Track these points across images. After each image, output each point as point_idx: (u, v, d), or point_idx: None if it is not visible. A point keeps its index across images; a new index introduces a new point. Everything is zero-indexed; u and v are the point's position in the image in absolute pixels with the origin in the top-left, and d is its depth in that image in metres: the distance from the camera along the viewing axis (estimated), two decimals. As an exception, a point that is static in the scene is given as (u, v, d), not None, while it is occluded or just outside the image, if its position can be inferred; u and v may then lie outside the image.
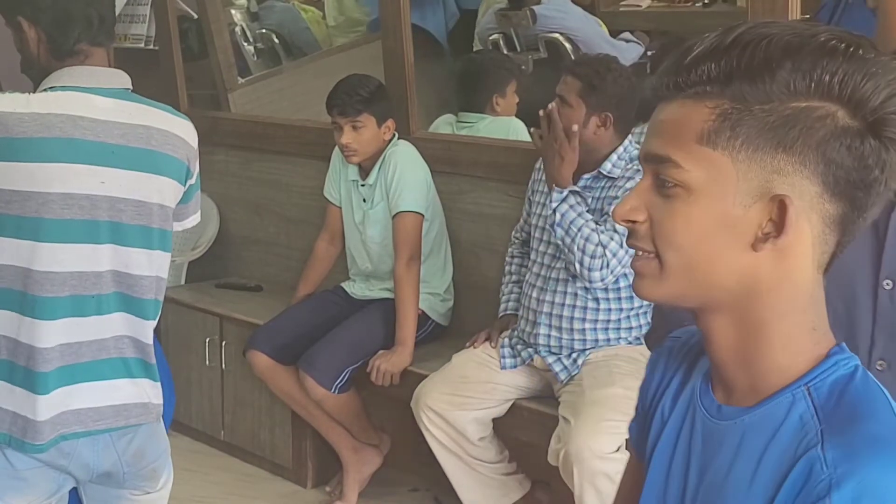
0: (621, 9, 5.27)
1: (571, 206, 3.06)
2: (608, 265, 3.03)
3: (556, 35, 4.71)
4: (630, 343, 3.20)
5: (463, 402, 3.27)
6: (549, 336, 3.23)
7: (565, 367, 3.20)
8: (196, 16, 5.00)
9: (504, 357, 3.33)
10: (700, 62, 0.97)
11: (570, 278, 3.17)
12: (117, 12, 2.46)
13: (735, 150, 0.96)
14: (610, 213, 2.99)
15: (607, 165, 3.15)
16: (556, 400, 3.19)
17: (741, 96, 0.96)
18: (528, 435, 3.28)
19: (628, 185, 3.08)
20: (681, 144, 0.98)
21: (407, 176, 3.70)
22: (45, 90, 2.10)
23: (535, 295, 3.25)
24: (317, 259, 4.02)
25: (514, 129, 4.21)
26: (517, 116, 4.29)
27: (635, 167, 3.09)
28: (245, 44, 5.65)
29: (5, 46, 2.31)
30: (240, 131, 4.75)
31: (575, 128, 3.07)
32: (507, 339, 3.36)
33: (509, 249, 3.56)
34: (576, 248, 3.04)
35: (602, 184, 3.17)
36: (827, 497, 0.89)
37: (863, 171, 0.96)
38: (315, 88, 4.15)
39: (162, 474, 2.26)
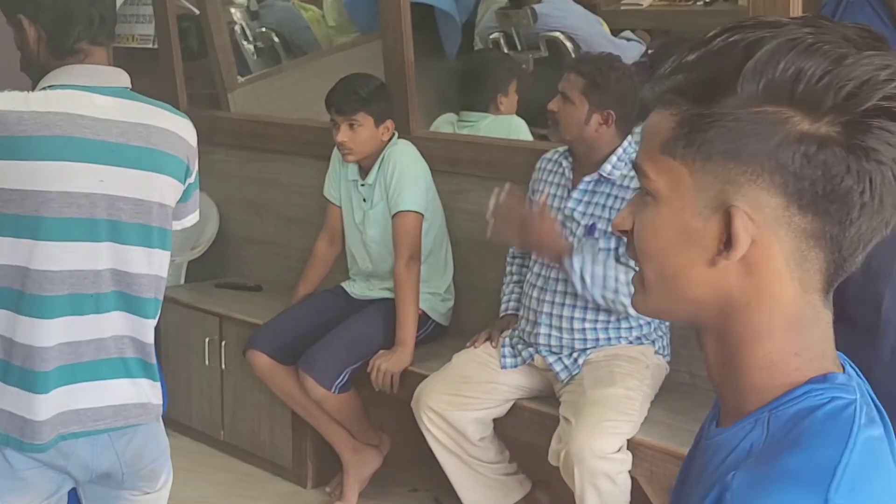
0: (622, 7, 5.26)
1: (585, 262, 3.06)
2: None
3: (557, 34, 4.70)
4: (631, 343, 3.20)
5: (463, 403, 3.27)
6: (549, 336, 3.22)
7: (566, 367, 3.19)
8: (197, 12, 4.99)
9: (504, 357, 3.32)
10: (673, 70, 0.93)
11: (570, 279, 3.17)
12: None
13: (691, 159, 0.91)
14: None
15: (607, 167, 3.15)
16: (557, 400, 3.18)
17: (697, 103, 0.91)
18: (528, 435, 3.27)
19: (627, 195, 3.09)
20: (649, 154, 0.95)
21: (406, 175, 3.69)
22: (44, 88, 2.09)
23: (535, 295, 3.25)
24: (316, 259, 4.01)
25: (516, 128, 4.21)
26: (517, 115, 4.28)
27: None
28: (245, 43, 5.65)
29: (4, 45, 2.31)
30: (239, 131, 4.75)
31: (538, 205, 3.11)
32: (507, 339, 3.36)
33: (510, 249, 3.55)
34: (611, 300, 3.06)
35: (603, 188, 3.16)
36: None
37: (830, 182, 0.88)
38: (315, 88, 4.15)
39: (161, 474, 2.25)
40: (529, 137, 4.21)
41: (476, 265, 3.90)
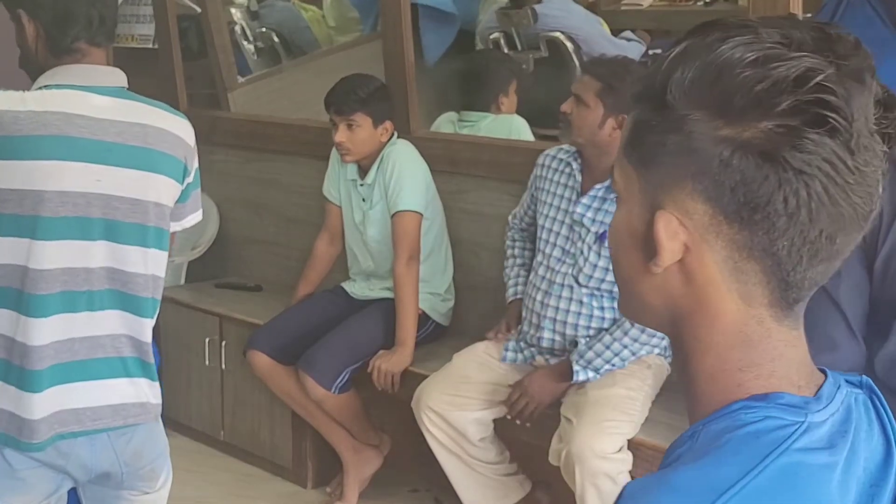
0: (622, 7, 5.27)
1: (587, 367, 3.08)
2: None
3: (558, 34, 4.70)
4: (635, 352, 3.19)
5: (464, 403, 3.26)
6: (552, 340, 3.21)
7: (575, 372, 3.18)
8: (199, 10, 4.98)
9: (507, 350, 3.32)
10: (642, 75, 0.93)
11: (575, 283, 3.16)
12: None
13: (637, 162, 0.91)
14: None
15: (619, 173, 3.13)
16: (558, 400, 3.18)
17: (643, 108, 0.90)
18: (528, 435, 3.27)
19: None
20: (617, 155, 0.94)
21: (406, 175, 3.69)
22: (40, 88, 2.09)
23: (539, 298, 3.23)
24: (316, 259, 4.01)
25: (517, 128, 4.21)
26: (517, 114, 4.28)
27: None
28: (245, 43, 5.65)
29: (3, 43, 2.31)
30: (240, 131, 4.74)
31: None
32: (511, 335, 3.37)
33: (508, 234, 3.53)
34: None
35: (614, 195, 3.15)
36: None
37: (749, 190, 0.83)
38: (315, 88, 4.14)
39: (161, 474, 2.25)
40: (531, 137, 4.21)
41: (476, 265, 3.90)
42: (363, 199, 3.81)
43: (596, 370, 3.06)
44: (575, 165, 3.23)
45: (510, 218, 3.53)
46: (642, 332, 3.09)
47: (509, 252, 3.53)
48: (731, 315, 0.89)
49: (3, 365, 2.06)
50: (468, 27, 5.10)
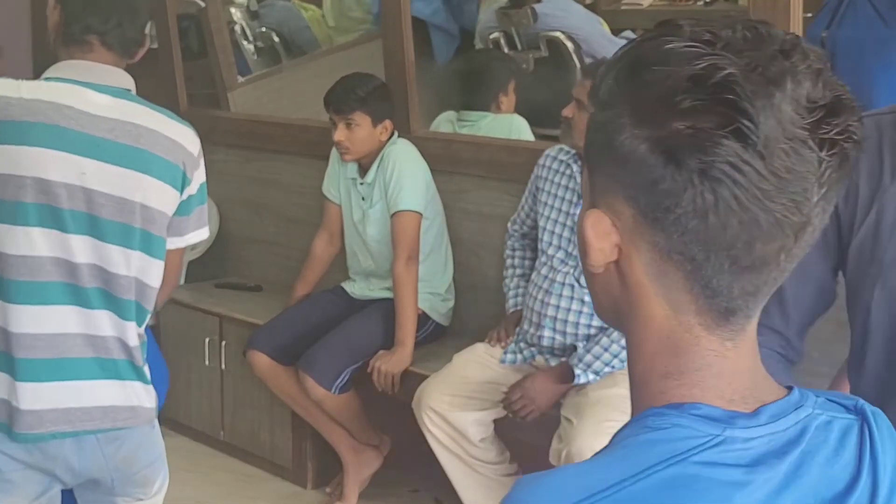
0: (623, 7, 5.27)
1: (587, 370, 3.08)
2: None
3: (558, 33, 4.70)
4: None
5: (464, 403, 3.26)
6: (553, 339, 3.21)
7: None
8: (203, 4, 4.98)
9: (506, 352, 3.32)
10: None
11: (577, 283, 3.16)
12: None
13: (585, 160, 0.91)
14: None
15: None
16: (558, 402, 3.17)
17: (592, 105, 0.89)
18: (529, 436, 3.27)
19: None
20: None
21: (405, 175, 3.69)
22: (42, 80, 2.10)
23: (540, 297, 3.23)
24: (314, 259, 4.00)
25: (517, 127, 4.21)
26: (516, 114, 4.28)
27: None
28: (245, 43, 5.65)
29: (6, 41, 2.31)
30: (240, 130, 4.74)
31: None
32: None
33: (508, 242, 3.53)
34: None
35: None
36: None
37: (655, 192, 0.82)
38: (315, 87, 4.14)
39: (156, 480, 2.22)
40: (531, 137, 4.20)
41: (476, 265, 3.89)
42: (363, 198, 3.81)
43: (596, 373, 3.06)
44: (575, 168, 3.23)
45: (509, 225, 3.53)
46: None
47: (509, 262, 3.53)
48: (659, 320, 0.87)
49: None
50: (469, 27, 5.11)
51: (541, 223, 3.30)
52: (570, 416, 3.01)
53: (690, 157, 0.80)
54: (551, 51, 4.72)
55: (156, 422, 2.23)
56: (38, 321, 2.05)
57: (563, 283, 3.19)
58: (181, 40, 4.95)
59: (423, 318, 3.74)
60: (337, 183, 3.91)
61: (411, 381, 3.51)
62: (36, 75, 2.14)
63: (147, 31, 2.22)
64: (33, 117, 2.01)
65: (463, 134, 4.17)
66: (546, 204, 3.28)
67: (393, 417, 3.82)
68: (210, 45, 5.01)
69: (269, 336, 3.81)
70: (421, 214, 3.69)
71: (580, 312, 3.17)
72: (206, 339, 4.22)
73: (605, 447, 0.87)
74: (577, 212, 3.17)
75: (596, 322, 3.15)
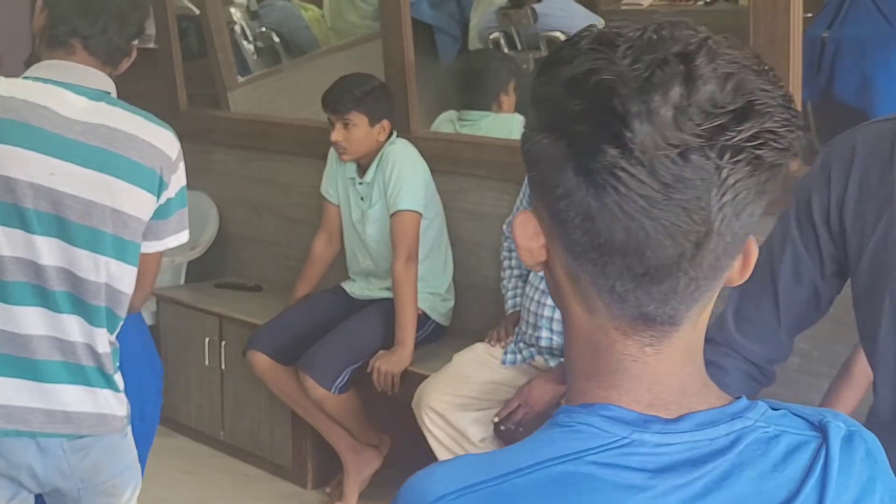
0: (622, 7, 5.26)
1: None
2: None
3: (558, 34, 4.69)
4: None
5: (464, 403, 3.26)
6: (551, 339, 3.21)
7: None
8: (197, 11, 4.98)
9: (506, 353, 3.32)
10: None
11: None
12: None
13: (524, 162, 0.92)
14: None
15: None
16: (557, 402, 3.17)
17: None
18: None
19: None
20: None
21: (405, 174, 3.69)
22: (21, 79, 2.07)
23: (537, 297, 3.23)
24: (314, 259, 4.00)
25: (518, 127, 4.19)
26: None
27: None
28: (245, 42, 5.64)
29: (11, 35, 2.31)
30: (239, 130, 4.74)
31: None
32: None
33: (505, 244, 3.53)
34: None
35: None
36: None
37: (555, 196, 0.82)
38: (315, 87, 4.14)
39: (126, 489, 2.17)
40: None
41: (476, 265, 3.89)
42: (361, 198, 3.81)
43: None
44: None
45: (504, 227, 3.53)
46: None
47: (506, 263, 3.53)
48: (580, 322, 0.86)
49: None
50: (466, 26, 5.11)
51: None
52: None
53: (575, 162, 0.79)
54: (551, 51, 4.72)
55: (128, 430, 2.17)
56: (2, 319, 2.01)
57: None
58: (181, 40, 4.95)
59: (422, 318, 3.73)
60: (335, 183, 3.91)
61: (411, 380, 3.51)
62: None
63: (136, 41, 2.16)
64: (5, 114, 1.99)
65: (463, 134, 4.17)
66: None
67: (393, 417, 3.82)
68: (210, 45, 5.01)
69: (269, 336, 3.81)
70: (421, 214, 3.69)
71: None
72: (206, 339, 4.22)
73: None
74: None
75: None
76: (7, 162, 1.98)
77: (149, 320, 4.38)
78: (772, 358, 1.67)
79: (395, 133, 3.77)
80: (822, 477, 0.83)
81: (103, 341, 2.08)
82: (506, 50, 4.79)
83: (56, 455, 2.06)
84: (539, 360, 3.26)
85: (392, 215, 3.68)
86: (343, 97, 3.66)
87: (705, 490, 0.81)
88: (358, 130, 3.67)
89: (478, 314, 3.84)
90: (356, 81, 3.72)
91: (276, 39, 5.75)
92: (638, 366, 0.85)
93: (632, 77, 0.78)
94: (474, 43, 5.00)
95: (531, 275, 3.32)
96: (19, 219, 2.00)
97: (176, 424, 4.35)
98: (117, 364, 2.13)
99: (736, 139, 0.77)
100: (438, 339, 3.82)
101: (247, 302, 4.34)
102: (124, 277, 2.07)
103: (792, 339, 1.68)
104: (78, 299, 2.04)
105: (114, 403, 2.11)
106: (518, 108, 4.29)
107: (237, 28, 5.63)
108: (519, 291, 3.45)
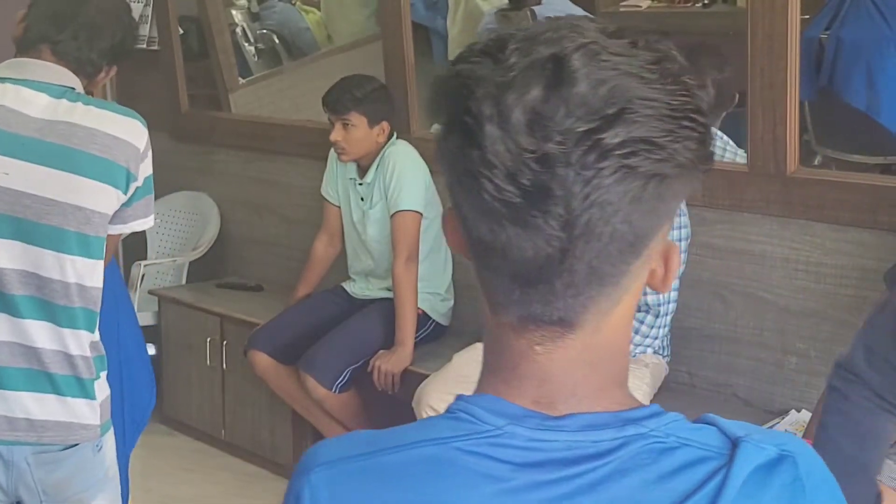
0: (621, 9, 5.27)
1: None
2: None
3: (557, 35, 4.71)
4: (634, 355, 3.20)
5: (464, 402, 3.27)
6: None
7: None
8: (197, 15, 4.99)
9: None
10: None
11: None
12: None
13: None
14: None
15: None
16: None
17: None
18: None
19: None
20: None
21: (405, 175, 3.70)
22: None
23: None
24: (315, 259, 4.02)
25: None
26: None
27: None
28: (246, 44, 5.65)
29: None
30: (240, 131, 4.75)
31: None
32: None
33: None
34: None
35: None
36: None
37: (450, 194, 0.84)
38: (316, 89, 4.15)
39: (91, 502, 2.11)
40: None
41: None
42: (362, 199, 3.82)
43: None
44: None
45: None
46: (636, 332, 3.10)
47: None
48: (488, 318, 0.87)
49: None
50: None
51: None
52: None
53: (443, 163, 0.81)
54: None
55: (101, 441, 2.09)
56: None
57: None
58: (182, 42, 4.96)
59: (422, 318, 3.75)
60: (335, 184, 3.92)
61: (411, 380, 3.52)
62: None
63: (113, 64, 2.13)
64: None
65: (463, 134, 4.18)
66: None
67: (393, 417, 3.83)
68: (211, 47, 5.02)
69: (270, 336, 3.82)
70: (421, 214, 3.70)
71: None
72: (207, 339, 4.23)
73: None
74: None
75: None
76: None
77: (150, 320, 4.39)
78: None
79: (395, 134, 3.78)
80: (712, 496, 0.80)
81: (81, 344, 2.02)
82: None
83: (20, 468, 2.01)
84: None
85: (392, 215, 3.70)
86: (343, 97, 3.68)
87: (576, 491, 0.80)
88: (357, 131, 3.69)
89: (478, 314, 3.81)
90: (357, 82, 3.73)
91: (277, 41, 5.76)
92: (527, 363, 0.84)
93: (495, 80, 0.77)
94: (455, 54, 4.99)
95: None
96: None
97: (177, 423, 4.36)
98: (101, 370, 2.08)
99: (600, 146, 0.75)
100: (438, 338, 3.84)
101: (248, 302, 4.36)
102: (93, 273, 2.03)
103: None
104: (44, 302, 1.98)
105: (85, 412, 2.04)
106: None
107: (238, 30, 5.65)
108: None
